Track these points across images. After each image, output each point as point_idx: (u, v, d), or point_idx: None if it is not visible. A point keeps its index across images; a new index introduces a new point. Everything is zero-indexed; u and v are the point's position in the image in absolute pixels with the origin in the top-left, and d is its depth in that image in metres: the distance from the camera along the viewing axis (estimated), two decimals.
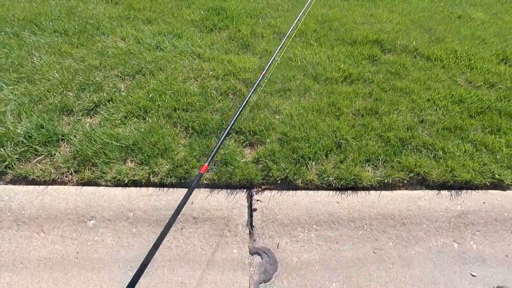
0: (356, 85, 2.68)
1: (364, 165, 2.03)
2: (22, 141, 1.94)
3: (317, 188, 1.94)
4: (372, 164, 2.04)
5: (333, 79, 2.71)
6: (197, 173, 1.53)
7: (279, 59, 2.87)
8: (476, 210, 1.85)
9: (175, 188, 1.88)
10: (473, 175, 1.97)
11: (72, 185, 1.85)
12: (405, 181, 1.98)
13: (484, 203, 1.89)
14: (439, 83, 2.73)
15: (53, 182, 1.84)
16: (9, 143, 1.91)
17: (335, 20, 3.69)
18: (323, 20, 3.66)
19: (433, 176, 1.97)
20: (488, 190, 1.96)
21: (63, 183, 1.86)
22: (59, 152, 1.95)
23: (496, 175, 1.98)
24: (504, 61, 3.04)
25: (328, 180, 1.94)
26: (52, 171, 1.85)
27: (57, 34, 2.94)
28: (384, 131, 2.24)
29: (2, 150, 1.87)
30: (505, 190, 1.96)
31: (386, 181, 1.96)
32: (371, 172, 2.00)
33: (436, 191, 1.95)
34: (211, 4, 3.78)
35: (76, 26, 3.05)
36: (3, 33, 2.85)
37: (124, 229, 1.73)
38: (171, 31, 3.15)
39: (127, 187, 1.87)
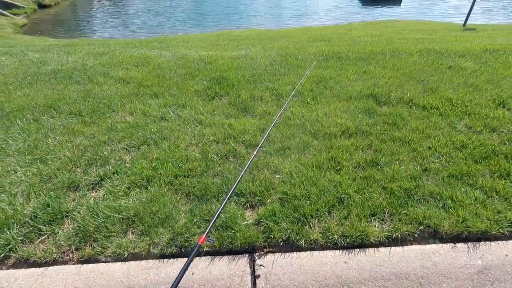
0: (355, 138, 2.72)
1: (369, 219, 1.95)
2: (28, 222, 1.99)
3: (322, 247, 1.85)
4: (378, 218, 1.96)
5: (331, 134, 2.77)
6: (195, 244, 1.48)
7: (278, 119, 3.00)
8: (500, 265, 1.69)
9: (175, 259, 1.83)
10: (489, 224, 1.84)
11: (72, 264, 1.83)
12: (416, 235, 1.87)
13: (507, 255, 1.73)
14: (438, 130, 2.74)
15: (54, 262, 1.82)
16: (15, 225, 1.96)
17: (329, 79, 3.92)
18: (318, 80, 3.90)
19: (445, 227, 1.86)
20: (509, 241, 1.80)
21: (64, 262, 1.84)
22: (62, 230, 1.97)
23: None
24: (502, 106, 3.07)
25: (333, 238, 1.85)
26: (54, 250, 1.85)
27: (72, 115, 3.22)
28: (387, 182, 2.20)
29: (8, 233, 1.91)
30: None
31: (395, 235, 1.85)
32: (378, 227, 1.91)
33: (451, 244, 1.81)
34: (213, 75, 4.13)
35: (90, 107, 3.35)
36: (24, 119, 3.14)
37: None
38: (175, 102, 3.40)
39: (126, 262, 1.83)
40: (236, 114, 3.19)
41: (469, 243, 1.81)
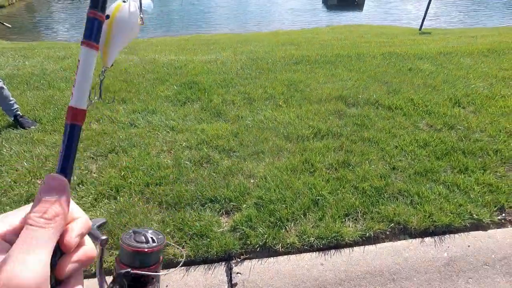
0: (327, 140, 2.77)
1: (343, 220, 1.99)
2: None
3: (299, 251, 1.86)
4: (352, 218, 2.01)
5: (304, 137, 2.81)
6: None
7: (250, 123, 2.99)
8: (463, 255, 1.79)
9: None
10: (452, 218, 1.95)
11: None
12: (387, 232, 1.93)
13: (469, 246, 1.84)
14: (403, 129, 2.88)
15: None
16: None
17: (300, 82, 3.98)
18: (289, 83, 3.94)
19: (414, 223, 1.94)
20: (470, 232, 1.92)
21: None
22: None
23: (474, 215, 1.97)
24: (457, 104, 3.29)
25: (309, 241, 1.87)
26: None
27: None
28: (359, 182, 2.26)
29: None
30: (486, 230, 1.94)
31: (368, 234, 1.91)
32: (352, 227, 1.95)
33: (420, 239, 1.90)
34: (184, 79, 4.04)
35: (51, 114, 3.14)
36: None
37: None
38: (145, 108, 3.28)
39: (94, 278, 1.72)
40: (208, 119, 3.14)
41: (436, 236, 1.91)
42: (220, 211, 2.07)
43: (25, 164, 2.42)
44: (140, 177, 2.29)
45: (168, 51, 6.28)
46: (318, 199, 2.11)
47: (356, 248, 1.86)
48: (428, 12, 9.34)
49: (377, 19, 15.50)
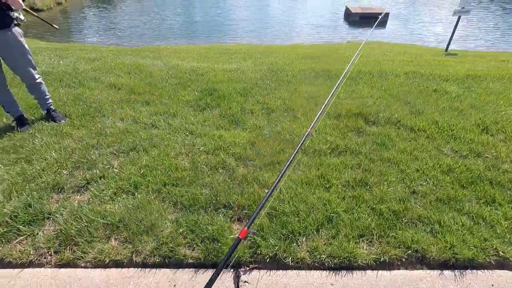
0: (344, 156, 2.73)
1: (357, 240, 1.93)
2: (7, 221, 1.92)
3: (309, 267, 1.81)
4: (367, 240, 1.94)
5: (321, 151, 2.78)
6: (236, 239, 1.40)
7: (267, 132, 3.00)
8: None
9: (157, 269, 1.77)
10: (475, 252, 1.84)
11: (49, 267, 1.75)
12: (403, 259, 1.85)
13: (492, 286, 1.72)
14: (425, 153, 2.79)
15: (30, 264, 1.75)
16: None
17: (319, 96, 3.97)
18: (308, 97, 3.95)
19: (433, 253, 1.85)
20: (495, 271, 1.79)
21: (41, 265, 1.76)
22: (43, 232, 1.90)
23: (500, 252, 1.85)
24: (485, 131, 3.16)
25: (320, 258, 1.82)
26: (31, 252, 1.78)
27: None
28: (376, 203, 2.19)
29: None
30: None
31: (382, 259, 1.83)
32: (366, 249, 1.89)
33: (439, 271, 1.79)
34: (205, 86, 4.14)
35: (80, 110, 3.30)
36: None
37: None
38: (166, 111, 3.38)
39: (107, 268, 1.76)
40: (226, 126, 3.18)
41: (456, 270, 1.79)
42: (233, 217, 2.07)
43: (53, 154, 2.54)
44: (158, 176, 2.34)
45: (190, 58, 6.47)
46: (333, 216, 2.07)
47: (369, 272, 1.79)
48: (455, 32, 9.10)
49: (400, 37, 15.22)
